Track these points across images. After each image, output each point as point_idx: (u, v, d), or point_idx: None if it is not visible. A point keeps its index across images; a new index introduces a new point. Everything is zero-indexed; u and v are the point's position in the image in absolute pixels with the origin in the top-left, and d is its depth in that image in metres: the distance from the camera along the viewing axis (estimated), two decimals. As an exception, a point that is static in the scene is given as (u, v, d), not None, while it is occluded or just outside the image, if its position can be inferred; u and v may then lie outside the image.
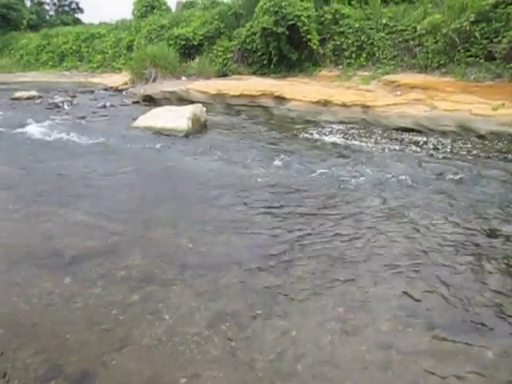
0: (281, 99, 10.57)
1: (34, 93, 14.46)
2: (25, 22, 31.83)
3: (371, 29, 12.79)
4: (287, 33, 12.97)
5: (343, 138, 7.97)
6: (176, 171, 6.00)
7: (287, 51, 13.52)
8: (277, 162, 6.23)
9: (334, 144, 7.48)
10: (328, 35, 13.64)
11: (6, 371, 2.20)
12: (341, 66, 13.24)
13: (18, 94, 14.21)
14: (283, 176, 5.61)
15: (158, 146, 7.36)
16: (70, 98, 13.60)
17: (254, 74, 14.49)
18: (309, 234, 3.85)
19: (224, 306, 2.81)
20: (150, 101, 12.59)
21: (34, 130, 8.85)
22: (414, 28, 11.80)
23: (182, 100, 11.61)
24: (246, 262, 3.38)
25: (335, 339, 2.51)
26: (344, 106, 9.47)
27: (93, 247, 3.62)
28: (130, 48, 21.26)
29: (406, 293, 2.96)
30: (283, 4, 12.77)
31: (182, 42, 16.59)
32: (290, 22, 12.78)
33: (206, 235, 3.88)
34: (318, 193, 4.95)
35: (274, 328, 2.61)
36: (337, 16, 13.47)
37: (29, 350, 2.36)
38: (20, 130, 8.91)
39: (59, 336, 2.49)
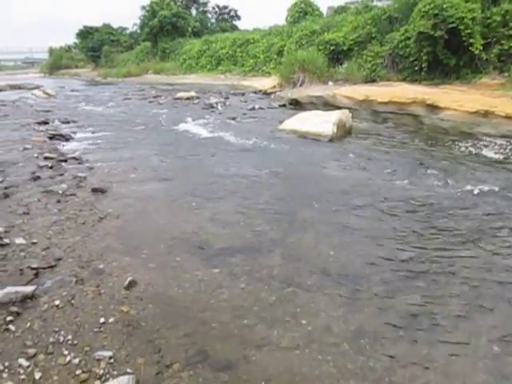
0: (433, 108, 9.88)
1: (192, 93, 15.90)
2: (190, 29, 35.12)
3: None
4: (446, 37, 12.07)
5: (506, 153, 7.12)
6: (318, 176, 6.01)
7: (443, 56, 12.57)
8: (425, 175, 5.84)
9: (494, 160, 6.72)
10: (494, 39, 12.33)
11: (161, 348, 2.42)
12: (506, 74, 11.86)
13: (179, 95, 15.78)
14: (432, 191, 5.22)
15: (302, 149, 7.47)
16: (223, 100, 14.62)
17: (403, 80, 13.80)
18: (460, 257, 3.51)
19: (364, 320, 2.72)
20: (296, 104, 12.85)
21: (191, 127, 9.73)
22: None
23: (328, 105, 11.61)
24: (389, 277, 3.22)
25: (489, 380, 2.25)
26: (509, 118, 8.45)
27: (238, 242, 3.82)
28: (280, 53, 21.99)
29: None
30: (445, 6, 11.91)
31: (332, 47, 16.59)
32: (450, 25, 11.86)
33: (347, 244, 3.80)
34: (475, 213, 4.49)
35: (416, 354, 2.43)
36: (507, 17, 12.09)
37: (180, 331, 2.57)
38: (179, 126, 9.88)
39: (206, 323, 2.66)
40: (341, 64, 16.28)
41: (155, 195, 5.11)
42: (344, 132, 8.71)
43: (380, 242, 3.82)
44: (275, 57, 22.74)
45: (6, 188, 5.10)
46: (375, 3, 19.21)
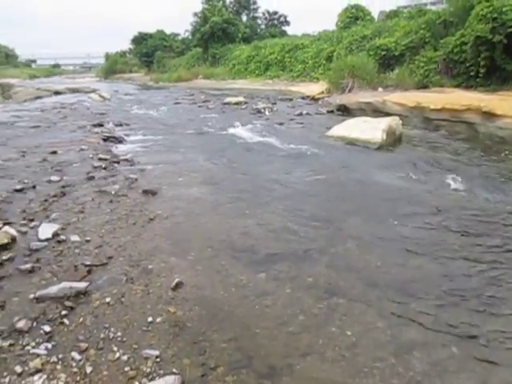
0: (489, 115, 9.45)
1: (241, 99, 16.09)
2: (240, 35, 35.66)
3: None
4: (504, 41, 11.54)
5: None
6: (366, 183, 5.90)
7: (502, 62, 12.01)
8: (480, 187, 5.60)
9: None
10: (557, 44, 11.67)
11: (206, 350, 2.45)
12: None
13: (228, 100, 16.01)
14: (488, 203, 5.00)
15: (349, 156, 7.37)
16: (270, 105, 14.68)
17: (457, 86, 13.31)
18: (518, 275, 3.34)
19: (413, 335, 2.63)
20: (345, 111, 12.69)
21: (239, 132, 9.84)
22: None
23: (378, 111, 11.38)
24: (440, 292, 3.10)
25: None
26: None
27: (284, 248, 3.81)
28: (329, 58, 21.86)
29: None
30: (504, 9, 11.42)
31: (383, 53, 16.30)
32: (510, 30, 11.35)
33: (396, 255, 3.70)
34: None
35: (469, 376, 2.32)
36: None
37: (225, 334, 2.60)
38: (228, 131, 10.01)
39: (250, 328, 2.67)
40: (392, 70, 15.96)
41: (203, 198, 5.20)
42: (394, 139, 8.51)
43: (430, 255, 3.69)
44: (324, 62, 22.63)
45: (63, 187, 5.36)
46: (429, 7, 18.69)
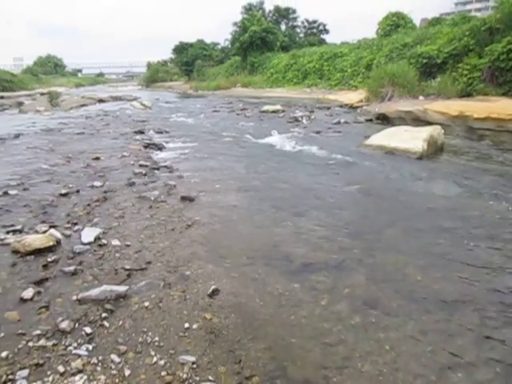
0: (539, 125, 9.08)
1: (278, 107, 16.14)
2: (278, 43, 35.86)
3: None
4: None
5: None
6: (406, 194, 5.77)
7: (553, 69, 11.55)
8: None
9: None
10: None
11: (241, 358, 2.45)
12: None
13: (265, 108, 16.09)
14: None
15: (388, 166, 7.23)
16: (308, 113, 14.65)
17: (503, 95, 12.85)
18: None
19: (456, 353, 2.53)
20: (384, 119, 12.49)
21: (276, 140, 9.86)
22: None
23: (418, 120, 11.13)
24: (484, 308, 2.98)
25: None
26: None
27: (320, 258, 3.77)
28: (368, 67, 21.61)
29: None
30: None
31: (424, 61, 15.95)
32: (561, 36, 10.89)
33: (437, 269, 3.58)
34: None
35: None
36: None
37: (260, 343, 2.59)
38: (265, 139, 10.05)
39: (285, 338, 2.65)
40: (433, 78, 15.57)
41: (240, 206, 5.23)
42: (435, 149, 8.29)
43: (474, 270, 3.55)
44: (363, 70, 22.39)
45: (105, 192, 5.53)
46: (473, 14, 18.18)
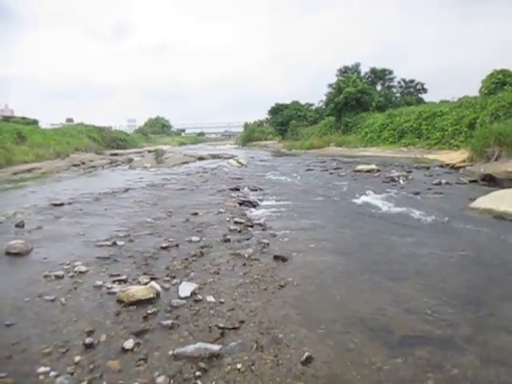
0: None
1: (373, 166, 15.87)
2: (374, 104, 35.90)
3: None
4: None
5: None
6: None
7: None
8: None
9: None
10: None
11: None
12: None
13: (359, 167, 15.92)
14: None
15: (498, 231, 6.62)
16: (405, 173, 14.16)
17: None
18: None
19: None
20: (490, 180, 11.63)
21: (370, 200, 9.61)
22: None
23: (531, 182, 10.21)
24: None
25: None
26: None
27: (423, 331, 3.46)
28: (471, 125, 20.63)
29: None
30: None
31: (536, 118, 14.85)
32: None
33: None
34: None
35: None
36: None
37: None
38: (359, 199, 9.85)
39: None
40: (547, 137, 14.35)
41: (333, 268, 5.08)
42: (553, 215, 7.47)
43: None
44: (465, 129, 21.40)
45: (202, 247, 5.73)
46: None
